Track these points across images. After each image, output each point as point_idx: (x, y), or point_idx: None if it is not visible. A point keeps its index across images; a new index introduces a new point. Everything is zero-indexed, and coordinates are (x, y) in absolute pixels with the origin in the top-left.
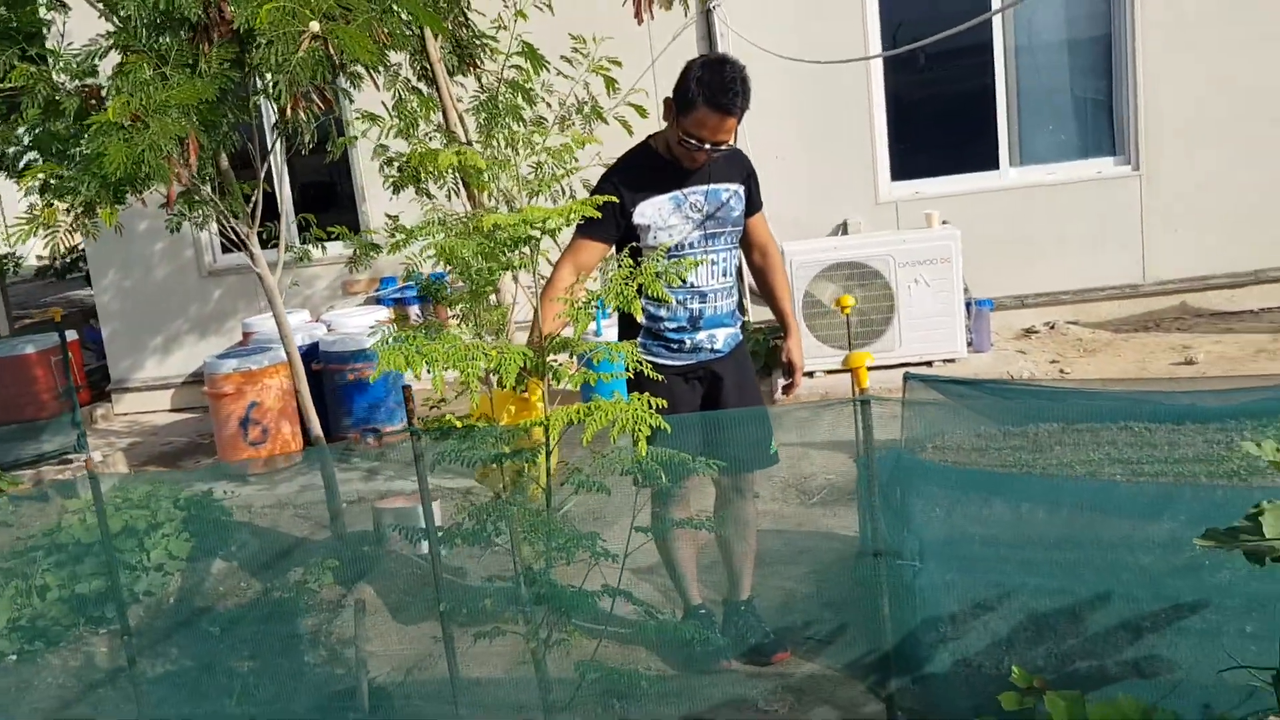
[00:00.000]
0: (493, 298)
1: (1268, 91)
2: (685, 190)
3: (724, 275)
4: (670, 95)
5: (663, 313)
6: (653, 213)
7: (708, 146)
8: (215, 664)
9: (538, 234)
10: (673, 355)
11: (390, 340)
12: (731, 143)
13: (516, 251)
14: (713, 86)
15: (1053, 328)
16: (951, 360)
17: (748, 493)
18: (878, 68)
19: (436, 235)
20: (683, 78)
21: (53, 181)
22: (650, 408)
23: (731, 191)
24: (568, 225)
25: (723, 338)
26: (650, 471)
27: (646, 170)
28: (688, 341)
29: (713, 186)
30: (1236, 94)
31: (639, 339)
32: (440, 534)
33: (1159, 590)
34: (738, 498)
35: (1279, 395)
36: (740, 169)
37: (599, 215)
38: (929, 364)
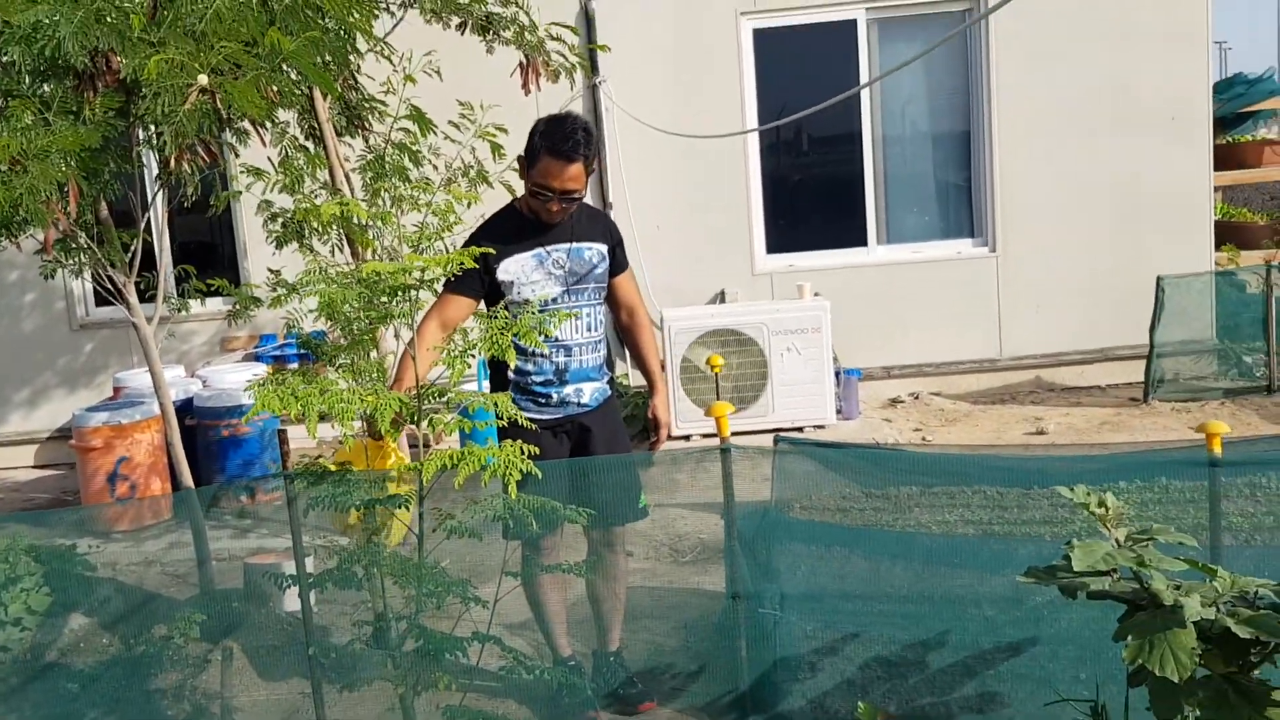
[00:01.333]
0: (374, 353)
1: (1109, 182)
2: (548, 248)
3: (589, 330)
4: (521, 154)
5: (529, 367)
6: (516, 269)
7: (558, 195)
8: (75, 718)
9: (417, 282)
10: (540, 409)
11: (265, 382)
12: (583, 192)
13: (394, 301)
14: (554, 137)
15: (917, 398)
16: (821, 426)
17: (618, 545)
18: (754, 148)
19: (319, 285)
20: (529, 136)
21: None
22: (522, 453)
23: (595, 250)
24: (444, 274)
25: (590, 392)
26: (521, 518)
27: (510, 229)
28: (554, 395)
29: (575, 245)
30: (1081, 185)
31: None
32: (310, 579)
33: (1000, 637)
34: (607, 551)
35: (1116, 462)
36: (604, 230)
37: (475, 265)
38: (800, 429)
